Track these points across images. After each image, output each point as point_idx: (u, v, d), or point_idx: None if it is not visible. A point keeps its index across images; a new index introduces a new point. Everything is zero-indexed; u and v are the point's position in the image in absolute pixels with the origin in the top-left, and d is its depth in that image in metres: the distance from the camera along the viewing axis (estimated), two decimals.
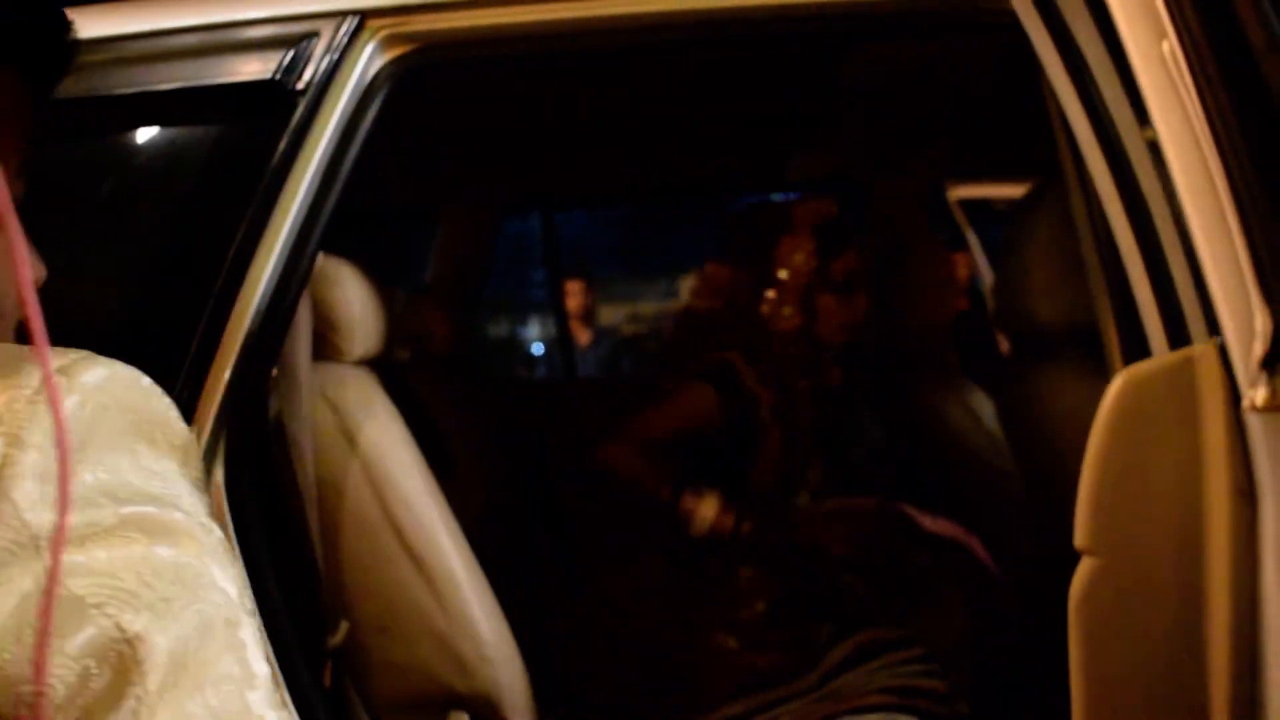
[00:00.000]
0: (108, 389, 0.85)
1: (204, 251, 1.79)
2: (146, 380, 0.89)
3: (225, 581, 0.82)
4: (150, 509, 0.81)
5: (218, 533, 0.85)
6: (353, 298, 2.07)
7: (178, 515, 0.82)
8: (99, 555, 0.77)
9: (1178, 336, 1.59)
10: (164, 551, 0.79)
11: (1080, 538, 1.33)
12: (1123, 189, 1.63)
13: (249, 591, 0.88)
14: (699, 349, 2.64)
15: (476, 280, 3.59)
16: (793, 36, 2.04)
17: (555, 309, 4.48)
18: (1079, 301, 2.06)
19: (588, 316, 7.47)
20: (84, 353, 0.88)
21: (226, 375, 1.74)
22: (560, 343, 4.61)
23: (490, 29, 1.93)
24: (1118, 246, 1.66)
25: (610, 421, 2.63)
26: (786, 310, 2.63)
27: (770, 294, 2.63)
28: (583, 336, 7.34)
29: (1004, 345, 4.10)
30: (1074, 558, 2.22)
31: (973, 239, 4.11)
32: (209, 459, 1.74)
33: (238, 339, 1.76)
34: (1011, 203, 4.04)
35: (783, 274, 2.62)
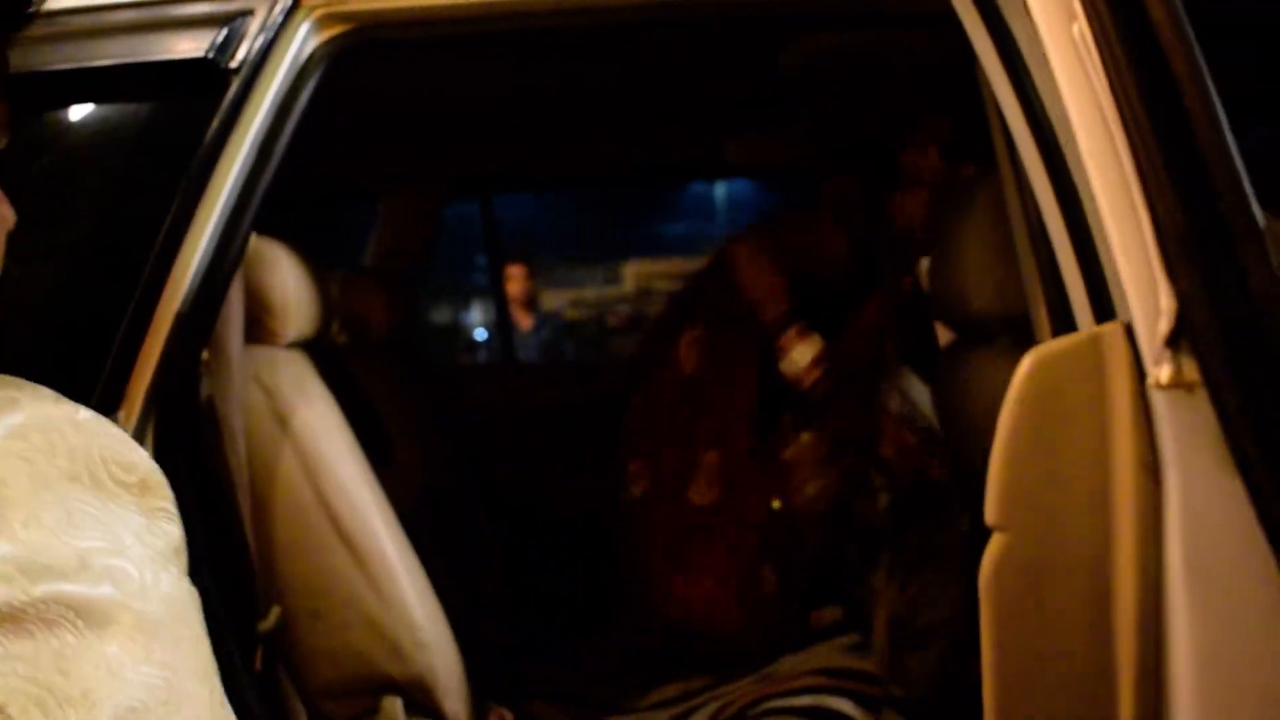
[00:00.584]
0: (29, 437, 0.77)
1: (134, 231, 1.77)
2: (84, 414, 0.80)
3: (163, 654, 0.73)
4: (71, 588, 0.71)
5: (165, 584, 0.76)
6: (287, 280, 2.05)
7: (105, 590, 0.72)
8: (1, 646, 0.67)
9: (1104, 320, 1.62)
10: (79, 642, 0.69)
11: (991, 514, 1.35)
12: (1054, 176, 1.65)
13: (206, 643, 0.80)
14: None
15: (417, 264, 3.56)
16: (736, 21, 2.05)
17: (495, 293, 4.44)
18: (1012, 288, 2.09)
19: (529, 301, 7.43)
20: (4, 390, 0.80)
21: (156, 357, 1.73)
22: (500, 327, 4.57)
23: (425, 9, 1.93)
24: (1049, 233, 1.69)
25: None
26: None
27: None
28: (524, 321, 7.30)
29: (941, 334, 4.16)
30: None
31: None
32: (139, 442, 1.72)
33: (167, 320, 1.74)
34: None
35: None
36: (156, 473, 0.82)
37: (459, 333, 10.40)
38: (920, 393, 3.04)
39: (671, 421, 2.59)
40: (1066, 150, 1.63)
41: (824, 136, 3.29)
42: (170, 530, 0.81)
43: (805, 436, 2.45)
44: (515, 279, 7.16)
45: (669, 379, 2.64)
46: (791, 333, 2.38)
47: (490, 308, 7.69)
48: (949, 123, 2.39)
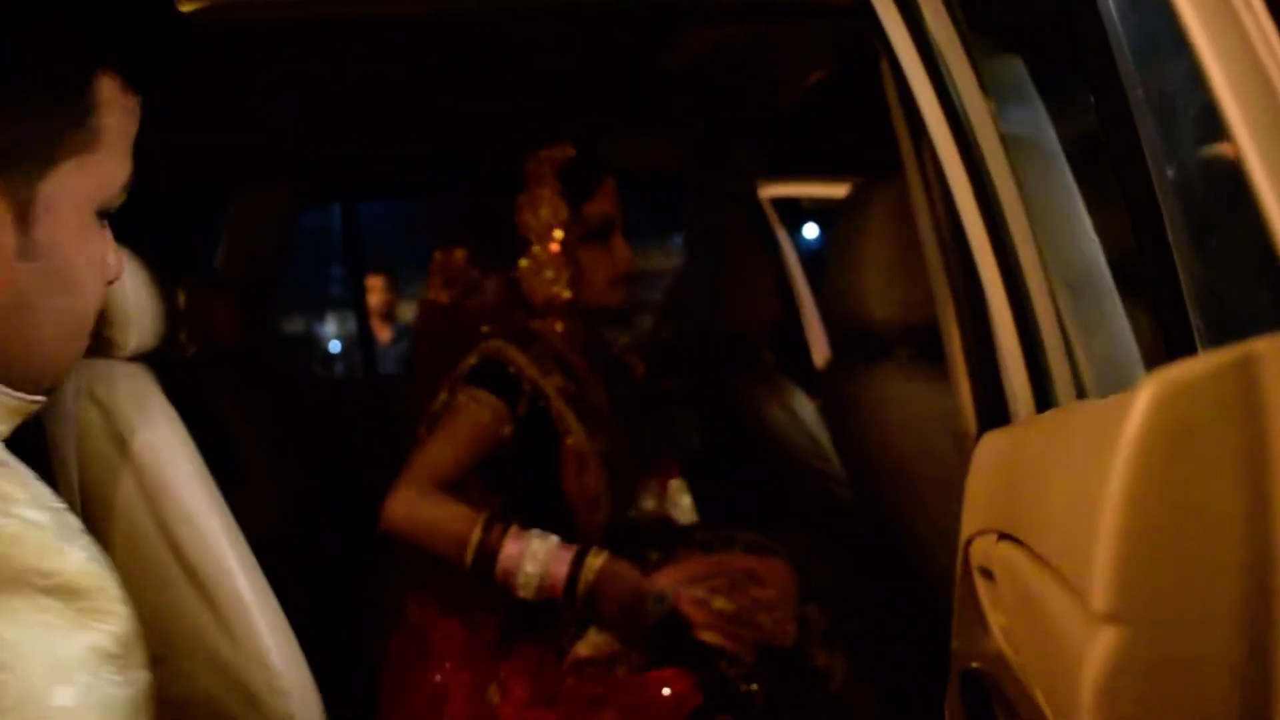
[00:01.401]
0: None
1: None
2: (9, 524, 0.82)
3: None
4: None
5: (62, 698, 0.77)
6: (127, 285, 1.86)
7: None
8: None
9: (1028, 331, 1.53)
10: None
11: (1104, 601, 0.93)
12: (974, 179, 1.56)
13: None
14: (451, 352, 2.35)
15: (271, 271, 3.38)
16: (620, 13, 1.93)
17: (356, 304, 4.26)
18: (914, 299, 2.00)
19: (389, 313, 7.32)
20: None
21: None
22: (361, 340, 4.38)
23: None
24: (967, 241, 1.60)
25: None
26: (548, 274, 2.32)
27: (523, 263, 2.32)
28: (383, 333, 7.19)
29: (819, 346, 4.11)
30: (900, 551, 2.21)
31: (784, 238, 4.06)
32: None
33: None
34: (827, 202, 4.02)
35: (531, 234, 2.32)
36: (88, 574, 0.87)
37: (313, 344, 10.20)
38: (804, 407, 2.96)
39: None
40: (990, 157, 1.56)
41: (701, 138, 3.19)
42: (96, 634, 0.84)
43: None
44: (375, 290, 7.11)
45: None
46: (505, 547, 2.16)
47: (346, 319, 7.49)
48: (570, 145, 2.39)
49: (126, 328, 1.85)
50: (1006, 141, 1.58)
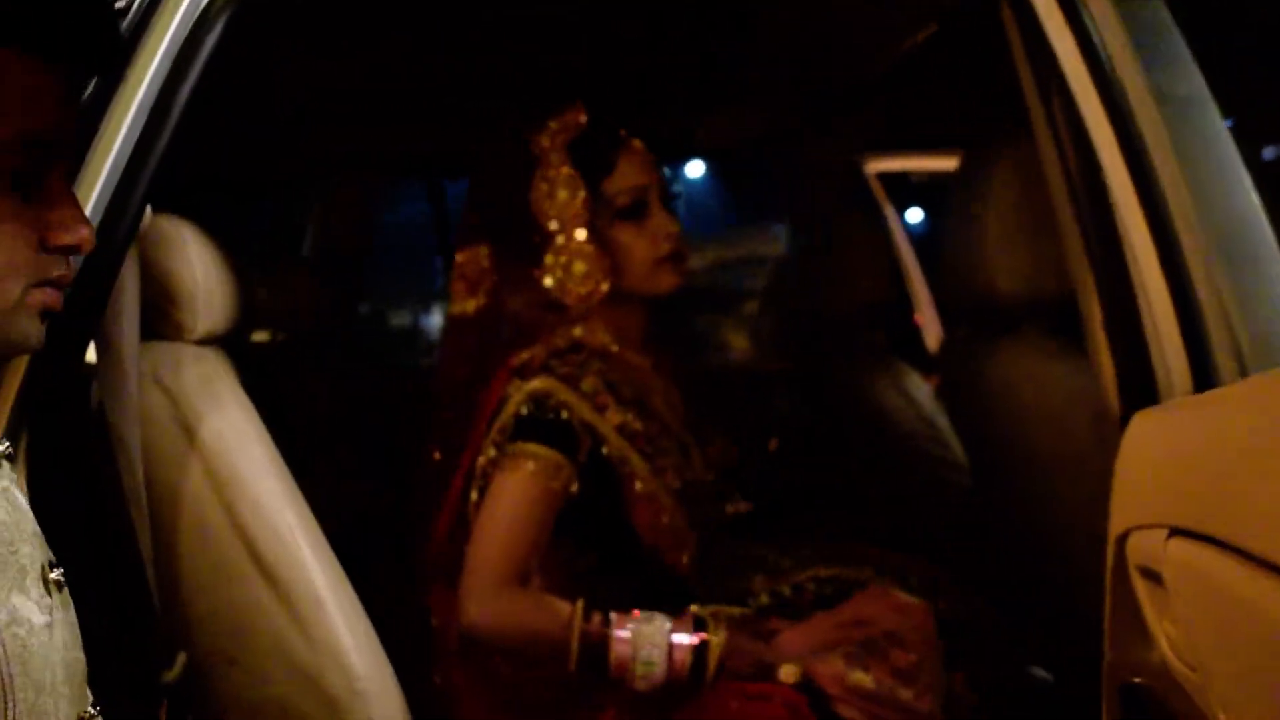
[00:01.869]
0: None
1: None
2: None
3: None
4: None
5: None
6: (195, 264, 1.76)
7: None
8: None
9: (1184, 298, 1.36)
10: None
11: None
12: (1120, 132, 1.40)
13: None
14: (484, 382, 2.03)
15: (357, 255, 3.28)
16: None
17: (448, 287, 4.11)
18: (1043, 268, 1.84)
19: None
20: None
21: (27, 357, 1.43)
22: None
23: None
24: (1109, 201, 1.43)
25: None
26: (578, 268, 1.98)
27: (548, 259, 1.98)
28: None
29: (931, 326, 3.94)
30: (1033, 545, 2.05)
31: (891, 214, 3.89)
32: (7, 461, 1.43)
33: None
34: (935, 178, 3.83)
35: (552, 224, 1.99)
36: None
37: (419, 336, 10.19)
38: (919, 389, 2.80)
39: None
40: (1139, 111, 1.40)
41: (806, 107, 3.03)
42: None
43: None
44: None
45: None
46: (613, 640, 1.88)
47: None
48: (580, 109, 2.06)
49: (195, 309, 1.76)
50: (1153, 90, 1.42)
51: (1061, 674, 2.06)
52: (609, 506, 1.97)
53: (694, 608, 1.86)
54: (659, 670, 1.78)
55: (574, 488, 1.91)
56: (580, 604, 1.82)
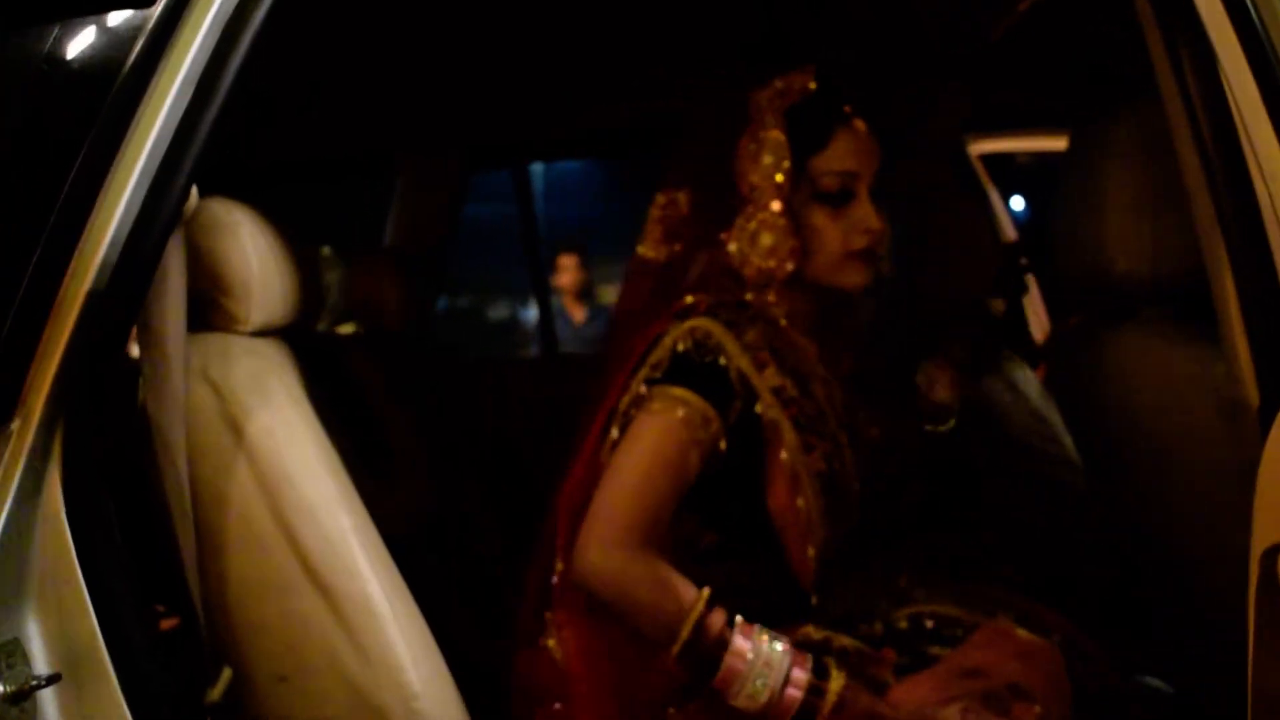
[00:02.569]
0: None
1: (31, 185, 1.38)
2: None
3: None
4: None
5: None
6: (249, 250, 1.65)
7: None
8: None
9: None
10: None
11: None
12: (1267, 88, 1.24)
13: None
14: (649, 326, 1.87)
15: (439, 244, 3.17)
16: None
17: (532, 273, 4.01)
18: (1166, 247, 1.67)
19: (584, 293, 7.31)
20: None
21: (61, 349, 1.34)
22: (541, 315, 4.13)
23: None
24: (1246, 169, 1.27)
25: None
26: (765, 240, 1.84)
27: (739, 223, 1.85)
28: (578, 314, 7.18)
29: (1037, 314, 3.76)
30: (1154, 553, 1.89)
31: (996, 198, 3.72)
32: (41, 460, 1.33)
33: (77, 301, 1.34)
34: (1044, 154, 3.66)
35: (749, 188, 1.86)
36: None
37: (516, 329, 10.24)
38: (1028, 382, 2.63)
39: None
40: None
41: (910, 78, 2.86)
42: None
43: None
44: (567, 269, 7.25)
45: None
46: (736, 641, 1.70)
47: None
48: (811, 74, 1.90)
49: (248, 299, 1.66)
50: None
51: (1184, 685, 1.90)
52: (748, 476, 1.82)
53: (811, 629, 1.75)
54: (763, 700, 1.62)
55: (722, 444, 1.77)
56: (707, 592, 1.67)
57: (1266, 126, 1.23)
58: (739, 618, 1.67)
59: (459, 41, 2.44)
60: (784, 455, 1.80)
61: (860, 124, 1.87)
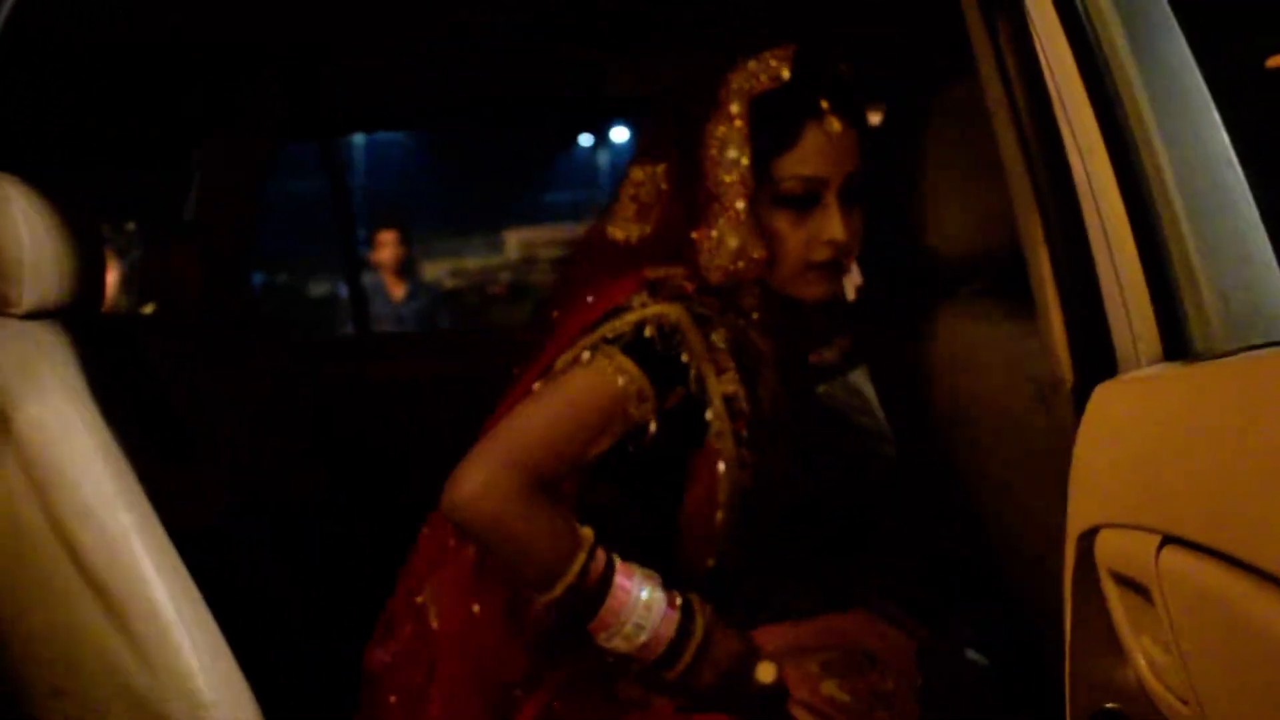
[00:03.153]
0: None
1: None
2: None
3: None
4: None
5: None
6: (21, 227, 1.53)
7: None
8: None
9: (1155, 256, 1.18)
10: None
11: None
12: (1084, 66, 1.22)
13: None
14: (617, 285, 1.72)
15: (243, 220, 3.04)
16: None
17: (344, 253, 3.88)
18: (980, 224, 1.66)
19: (402, 269, 7.25)
20: None
21: None
22: (352, 294, 3.99)
23: None
24: (1063, 146, 1.25)
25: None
26: (730, 243, 1.67)
27: (706, 221, 1.68)
28: (397, 290, 7.10)
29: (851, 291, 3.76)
30: (969, 526, 1.89)
31: None
32: None
33: None
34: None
35: (713, 183, 1.67)
36: None
37: (338, 307, 10.12)
38: (862, 380, 2.62)
39: None
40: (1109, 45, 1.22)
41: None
42: None
43: None
44: (386, 245, 7.20)
45: None
46: (619, 602, 1.62)
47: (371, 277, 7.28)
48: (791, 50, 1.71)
49: (19, 281, 1.53)
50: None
51: (1000, 659, 1.90)
52: (672, 468, 1.68)
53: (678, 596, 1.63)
54: (640, 640, 1.54)
55: (647, 418, 1.62)
56: (590, 532, 1.57)
57: (1084, 105, 1.21)
58: (617, 558, 1.58)
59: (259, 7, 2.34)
60: (720, 468, 1.66)
61: (836, 122, 1.67)
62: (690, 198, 1.69)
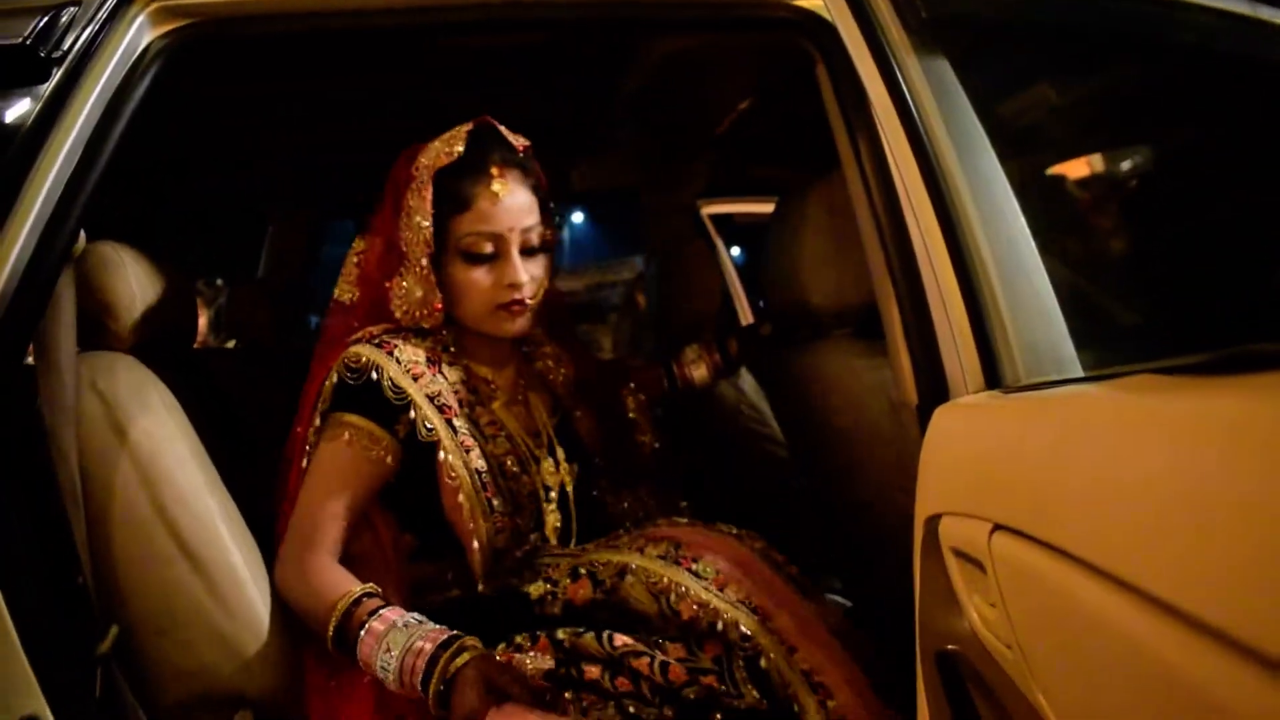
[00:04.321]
0: None
1: None
2: None
3: None
4: None
5: None
6: (131, 282, 1.48)
7: None
8: None
9: (976, 308, 1.17)
10: None
11: None
12: (924, 167, 1.21)
13: None
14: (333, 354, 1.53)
15: (301, 277, 2.97)
16: (586, 23, 1.55)
17: None
18: (847, 284, 1.64)
19: None
20: None
21: None
22: None
23: (268, 5, 1.38)
24: (905, 226, 1.24)
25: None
26: (416, 293, 1.52)
27: (399, 274, 1.53)
28: None
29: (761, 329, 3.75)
30: (839, 512, 1.87)
31: (720, 246, 3.71)
32: None
33: None
34: (755, 220, 3.67)
35: (404, 245, 1.52)
36: None
37: None
38: (746, 381, 2.59)
39: None
40: (941, 153, 1.21)
41: (657, 158, 2.80)
42: None
43: None
44: None
45: None
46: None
47: None
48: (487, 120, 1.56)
49: (131, 322, 1.48)
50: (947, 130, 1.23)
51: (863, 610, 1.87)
52: (422, 480, 1.48)
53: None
54: (392, 669, 1.30)
55: (390, 460, 1.45)
56: (362, 588, 1.37)
57: (924, 197, 1.21)
58: (387, 608, 1.35)
59: (313, 125, 2.29)
60: (442, 455, 1.46)
61: (503, 186, 1.49)
62: (392, 259, 1.53)
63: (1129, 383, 0.70)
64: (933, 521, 0.98)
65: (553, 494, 1.57)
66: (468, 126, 1.53)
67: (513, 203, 1.49)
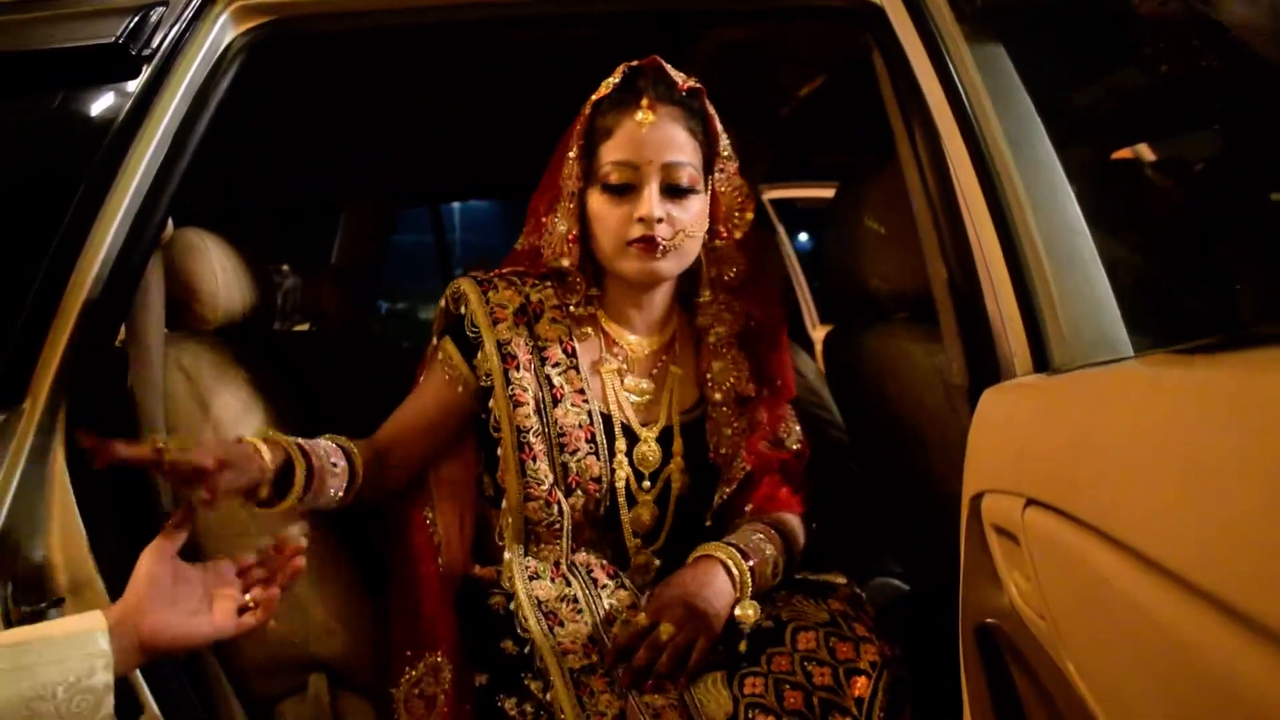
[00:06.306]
0: None
1: (40, 215, 1.29)
2: None
3: None
4: None
5: None
6: (215, 267, 1.56)
7: None
8: None
9: (1025, 293, 1.19)
10: None
11: None
12: (974, 154, 1.24)
13: None
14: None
15: (372, 264, 3.07)
16: (645, 15, 1.59)
17: (444, 283, 3.91)
18: (905, 269, 1.67)
19: None
20: None
21: (63, 346, 1.25)
22: None
23: (345, 2, 1.45)
24: (959, 212, 1.27)
25: None
26: (560, 227, 1.49)
27: (554, 210, 1.50)
28: None
29: (811, 316, 3.78)
30: (896, 491, 1.90)
31: (781, 232, 3.73)
32: (48, 432, 1.24)
33: (75, 306, 1.26)
34: (819, 201, 3.68)
35: (560, 178, 1.49)
36: None
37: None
38: (808, 366, 2.62)
39: None
40: (992, 147, 1.24)
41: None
42: None
43: None
44: None
45: None
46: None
47: None
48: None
49: (215, 305, 1.56)
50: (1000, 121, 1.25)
51: (916, 587, 1.91)
52: (490, 437, 1.47)
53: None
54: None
55: (463, 391, 1.47)
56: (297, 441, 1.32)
57: (975, 186, 1.23)
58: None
59: (385, 114, 2.37)
60: (491, 403, 1.45)
61: (648, 115, 1.41)
62: (551, 196, 1.50)
63: (1148, 360, 0.72)
64: (976, 500, 1.02)
65: (645, 484, 1.50)
66: (633, 62, 1.47)
67: (658, 135, 1.41)
